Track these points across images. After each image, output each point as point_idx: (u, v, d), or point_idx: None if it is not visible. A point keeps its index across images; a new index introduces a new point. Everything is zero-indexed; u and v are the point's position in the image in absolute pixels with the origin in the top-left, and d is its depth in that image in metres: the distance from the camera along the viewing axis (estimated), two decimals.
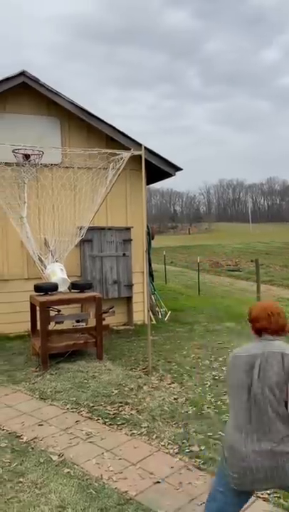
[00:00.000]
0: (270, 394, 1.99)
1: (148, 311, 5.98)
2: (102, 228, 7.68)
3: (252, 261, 22.62)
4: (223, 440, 2.19)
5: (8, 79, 6.84)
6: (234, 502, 2.14)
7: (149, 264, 8.69)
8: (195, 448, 3.46)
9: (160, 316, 8.56)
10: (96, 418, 4.05)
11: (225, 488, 2.11)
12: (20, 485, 2.99)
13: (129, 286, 7.88)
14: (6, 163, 6.76)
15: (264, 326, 2.14)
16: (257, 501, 2.78)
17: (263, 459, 1.99)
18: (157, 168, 7.97)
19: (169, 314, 8.66)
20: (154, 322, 7.91)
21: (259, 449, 2.00)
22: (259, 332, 2.17)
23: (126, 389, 4.74)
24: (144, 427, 3.82)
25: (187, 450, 3.44)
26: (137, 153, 6.46)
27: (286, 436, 1.99)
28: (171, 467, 3.22)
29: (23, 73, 6.90)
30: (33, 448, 3.50)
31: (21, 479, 3.06)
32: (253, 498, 2.70)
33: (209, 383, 4.89)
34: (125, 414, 4.10)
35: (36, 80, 6.99)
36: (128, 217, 7.98)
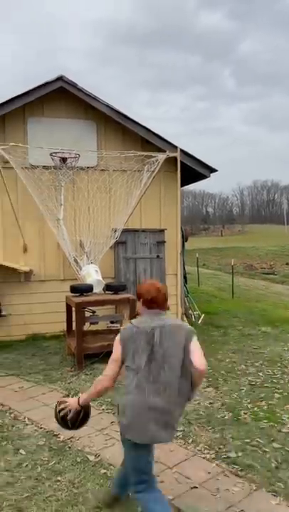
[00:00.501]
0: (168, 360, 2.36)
1: (182, 313, 5.94)
2: (136, 230, 7.71)
3: (287, 264, 22.08)
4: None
5: (46, 84, 7.00)
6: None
7: (183, 267, 8.64)
8: (232, 454, 3.40)
9: (193, 319, 8.49)
10: None
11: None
12: (58, 484, 3.04)
13: None
14: (44, 167, 6.92)
15: (154, 298, 2.51)
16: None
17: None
18: (191, 170, 7.93)
19: (202, 317, 8.59)
20: None
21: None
22: (149, 305, 2.51)
23: None
24: (180, 431, 3.80)
25: (224, 456, 3.39)
26: (172, 155, 6.47)
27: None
28: (208, 472, 3.18)
29: (61, 78, 7.05)
30: (69, 447, 3.55)
31: (59, 478, 3.11)
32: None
33: (245, 388, 4.81)
34: None
35: (74, 85, 7.11)
36: (162, 219, 7.98)
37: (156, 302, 2.53)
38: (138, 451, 2.40)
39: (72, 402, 2.59)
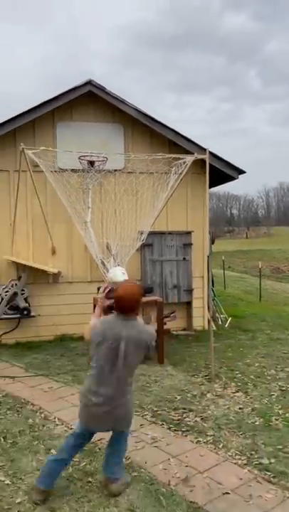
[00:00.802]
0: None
1: (210, 316, 5.89)
2: (163, 233, 7.70)
3: None
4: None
5: (75, 88, 7.09)
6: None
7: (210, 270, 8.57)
8: (264, 460, 3.34)
9: (220, 323, 8.41)
10: (160, 423, 4.04)
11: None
12: (89, 485, 3.05)
13: (189, 291, 7.83)
14: (73, 170, 7.00)
15: (126, 306, 2.82)
16: None
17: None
18: (219, 172, 7.86)
19: (229, 321, 8.49)
20: (214, 328, 7.78)
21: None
22: (121, 310, 2.83)
23: (189, 395, 4.70)
24: (210, 436, 3.76)
25: (256, 462, 3.34)
26: (200, 156, 6.42)
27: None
28: (240, 478, 3.14)
29: (89, 82, 7.13)
30: (100, 449, 3.56)
31: (90, 479, 3.12)
32: None
33: (276, 394, 4.72)
34: (189, 421, 4.07)
35: (102, 89, 7.18)
36: (188, 222, 7.95)
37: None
38: None
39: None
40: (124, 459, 3.14)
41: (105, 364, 2.80)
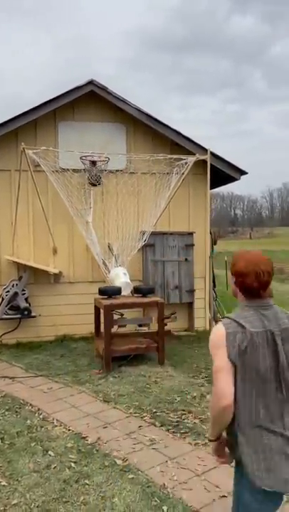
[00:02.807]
0: None
1: (212, 318, 5.87)
2: (164, 233, 7.67)
3: None
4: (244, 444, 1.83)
5: (77, 88, 7.09)
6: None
7: (212, 270, 8.54)
8: None
9: None
10: (159, 424, 4.02)
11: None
12: (86, 487, 3.04)
13: (191, 291, 7.80)
14: (74, 170, 7.00)
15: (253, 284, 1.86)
16: None
17: None
18: (221, 173, 7.84)
19: None
20: None
21: None
22: (249, 292, 1.88)
23: (188, 397, 4.68)
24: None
25: None
26: (202, 157, 6.42)
27: None
28: None
29: (91, 82, 7.12)
30: (97, 450, 3.55)
31: (87, 481, 3.11)
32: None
33: None
34: (188, 423, 4.04)
35: (104, 88, 7.17)
36: (190, 222, 7.92)
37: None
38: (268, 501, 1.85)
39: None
40: None
41: (263, 380, 1.81)
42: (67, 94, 7.06)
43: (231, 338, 1.80)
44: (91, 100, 7.36)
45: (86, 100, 7.33)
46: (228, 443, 1.95)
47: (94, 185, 7.14)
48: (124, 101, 7.26)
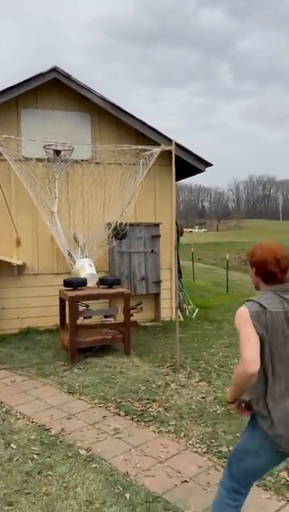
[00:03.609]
0: None
1: (176, 307, 5.93)
2: (131, 224, 7.65)
3: None
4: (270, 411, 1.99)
5: (40, 75, 6.91)
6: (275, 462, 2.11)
7: (178, 261, 8.62)
8: (224, 448, 3.40)
9: (188, 314, 8.49)
10: (123, 414, 4.04)
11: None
12: (49, 478, 3.02)
13: (157, 282, 7.85)
14: (38, 159, 6.84)
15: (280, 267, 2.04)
16: None
17: None
18: (187, 164, 7.88)
19: (196, 312, 8.58)
20: (181, 319, 7.85)
21: None
22: (271, 278, 2.06)
23: (153, 386, 4.72)
24: (172, 425, 3.79)
25: (216, 450, 3.39)
26: (167, 148, 6.41)
27: None
28: (200, 466, 3.18)
29: (54, 69, 6.96)
30: (61, 441, 3.53)
31: (50, 472, 3.09)
32: None
33: None
34: (153, 412, 4.08)
35: (68, 76, 7.02)
36: (156, 214, 7.94)
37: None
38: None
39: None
40: None
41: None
42: (29, 81, 6.87)
43: (255, 316, 1.96)
44: (55, 88, 7.21)
45: (50, 88, 7.16)
46: (245, 403, 2.14)
47: (121, 239, 7.25)
48: (88, 89, 7.15)
